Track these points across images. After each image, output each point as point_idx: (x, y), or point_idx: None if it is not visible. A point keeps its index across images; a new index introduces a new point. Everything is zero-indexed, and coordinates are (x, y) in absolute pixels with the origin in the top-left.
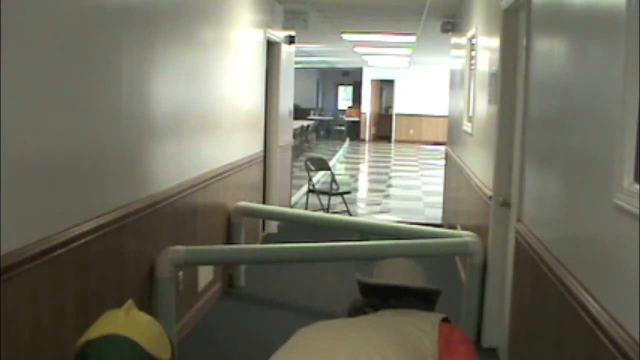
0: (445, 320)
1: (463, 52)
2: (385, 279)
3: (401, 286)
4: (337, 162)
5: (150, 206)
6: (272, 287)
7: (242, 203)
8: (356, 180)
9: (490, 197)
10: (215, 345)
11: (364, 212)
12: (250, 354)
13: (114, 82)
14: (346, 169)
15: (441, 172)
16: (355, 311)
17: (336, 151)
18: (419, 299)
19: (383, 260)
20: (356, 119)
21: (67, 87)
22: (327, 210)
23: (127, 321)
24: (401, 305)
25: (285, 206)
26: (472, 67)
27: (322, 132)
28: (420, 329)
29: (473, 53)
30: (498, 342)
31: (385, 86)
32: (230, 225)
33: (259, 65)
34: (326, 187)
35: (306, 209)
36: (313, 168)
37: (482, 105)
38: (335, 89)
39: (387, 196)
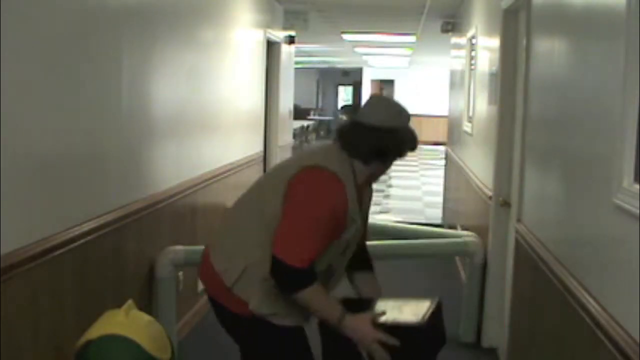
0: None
1: (463, 52)
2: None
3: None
4: None
5: (150, 206)
6: None
7: None
8: None
9: (490, 197)
10: (215, 346)
11: None
12: None
13: (114, 82)
14: None
15: (441, 172)
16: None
17: None
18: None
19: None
20: None
21: (67, 87)
22: None
23: (127, 321)
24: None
25: None
26: (472, 67)
27: (322, 132)
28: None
29: (473, 53)
30: (498, 342)
31: (385, 86)
32: None
33: (259, 65)
34: None
35: None
36: None
37: (482, 106)
38: (335, 89)
39: (387, 196)
